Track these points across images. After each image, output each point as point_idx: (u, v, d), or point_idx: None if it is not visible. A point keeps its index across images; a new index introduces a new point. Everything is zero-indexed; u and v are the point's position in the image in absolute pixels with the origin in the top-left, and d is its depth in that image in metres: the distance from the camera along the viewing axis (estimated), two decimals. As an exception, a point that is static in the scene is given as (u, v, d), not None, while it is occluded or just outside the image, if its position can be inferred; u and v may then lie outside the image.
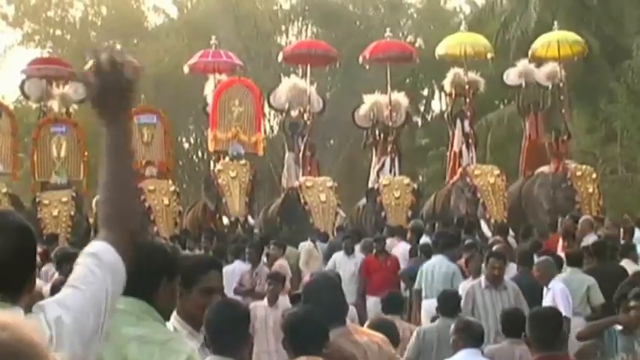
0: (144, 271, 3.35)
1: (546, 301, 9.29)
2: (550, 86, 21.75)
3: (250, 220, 19.75)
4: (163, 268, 3.50)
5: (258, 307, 10.07)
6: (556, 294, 9.44)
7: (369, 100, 22.68)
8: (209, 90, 21.95)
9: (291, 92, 21.69)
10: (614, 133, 28.97)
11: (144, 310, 3.33)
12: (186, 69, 23.07)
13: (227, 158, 20.09)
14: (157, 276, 3.43)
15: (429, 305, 11.01)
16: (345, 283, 12.89)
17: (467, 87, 21.93)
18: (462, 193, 20.40)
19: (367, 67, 24.38)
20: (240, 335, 4.16)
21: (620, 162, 28.80)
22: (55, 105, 21.33)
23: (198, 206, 20.70)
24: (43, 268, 12.57)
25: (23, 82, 22.20)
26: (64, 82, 21.61)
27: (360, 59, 23.21)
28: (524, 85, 21.83)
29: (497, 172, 20.39)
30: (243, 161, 19.96)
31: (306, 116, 22.01)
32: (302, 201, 19.62)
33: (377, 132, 22.55)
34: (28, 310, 2.37)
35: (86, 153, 20.92)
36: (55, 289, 5.64)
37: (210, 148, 21.17)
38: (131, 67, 2.53)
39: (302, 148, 21.70)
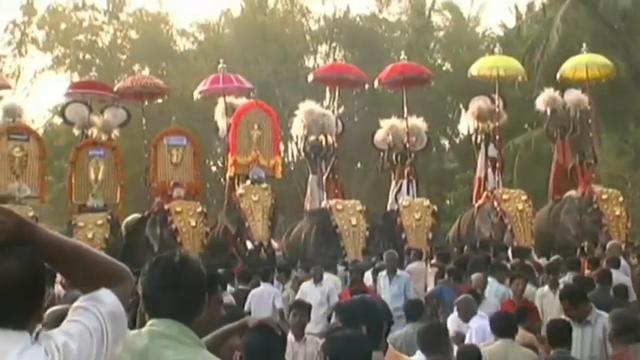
0: (187, 292, 3.39)
1: (466, 340, 8.89)
2: (577, 112, 21.65)
3: (274, 243, 19.69)
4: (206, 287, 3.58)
5: None
6: (473, 332, 9.14)
7: (385, 124, 22.70)
8: (219, 115, 21.87)
9: (308, 117, 21.68)
10: (644, 157, 28.86)
11: (182, 332, 3.33)
12: (196, 95, 23.00)
13: (248, 182, 20.05)
14: (202, 296, 3.48)
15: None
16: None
17: (497, 110, 21.91)
18: (488, 217, 20.36)
19: (388, 90, 24.44)
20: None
21: (649, 186, 28.64)
22: (95, 132, 21.47)
23: (218, 229, 20.61)
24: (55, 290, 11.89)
25: (64, 108, 22.37)
26: (104, 107, 21.81)
27: (376, 82, 23.18)
28: (549, 112, 21.77)
29: (524, 197, 20.35)
30: (264, 185, 19.92)
31: (329, 139, 22.04)
32: (333, 224, 19.58)
33: (394, 155, 22.52)
34: (35, 337, 2.46)
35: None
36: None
37: (230, 173, 21.01)
38: None
39: (326, 170, 21.73)
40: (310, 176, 22.08)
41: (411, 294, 13.73)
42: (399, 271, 14.13)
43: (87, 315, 2.50)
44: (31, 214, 19.37)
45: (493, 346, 7.36)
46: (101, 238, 19.26)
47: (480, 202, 21.27)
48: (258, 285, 13.61)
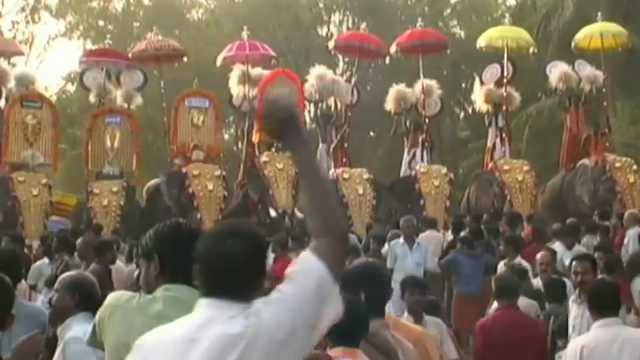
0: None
1: None
2: (591, 88, 21.48)
3: (297, 212, 19.55)
4: None
5: None
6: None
7: (393, 90, 22.59)
8: (234, 82, 21.64)
9: (319, 82, 21.53)
10: (658, 125, 28.70)
11: (197, 299, 3.33)
12: (219, 60, 22.55)
13: (273, 149, 19.98)
14: None
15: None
16: None
17: (504, 81, 21.88)
18: (491, 186, 20.43)
19: (403, 57, 24.36)
20: None
21: (664, 155, 28.48)
22: (117, 99, 21.47)
23: (236, 195, 20.51)
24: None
25: (83, 74, 22.39)
26: (119, 71, 21.79)
27: (393, 48, 23.03)
28: (562, 87, 21.60)
29: (526, 167, 20.42)
30: (288, 153, 19.73)
31: (339, 106, 21.93)
32: (339, 193, 19.52)
33: (408, 122, 22.45)
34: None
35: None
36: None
37: (255, 140, 20.95)
38: (287, 103, 2.94)
39: (336, 139, 21.69)
40: (320, 145, 21.96)
41: (429, 264, 13.45)
42: (417, 239, 13.83)
43: (290, 284, 2.80)
44: (44, 181, 19.47)
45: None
46: (116, 205, 19.33)
47: (479, 171, 21.37)
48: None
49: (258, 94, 20.60)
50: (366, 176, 20.01)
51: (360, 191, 19.50)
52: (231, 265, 2.77)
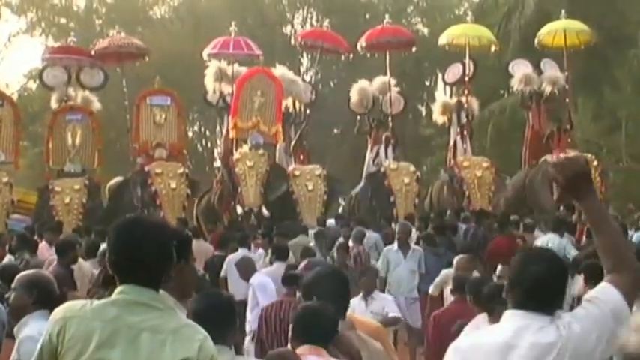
0: (157, 257, 3.30)
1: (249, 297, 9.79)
2: (553, 89, 21.63)
3: (264, 211, 19.50)
4: (179, 251, 3.55)
5: None
6: (256, 288, 9.63)
7: (355, 87, 22.66)
8: (210, 79, 21.60)
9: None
10: (619, 122, 28.91)
11: (154, 298, 3.27)
12: (205, 56, 22.33)
13: (245, 147, 19.92)
14: (171, 260, 3.39)
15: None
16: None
17: (466, 79, 22.01)
18: (451, 183, 20.62)
19: (367, 54, 24.47)
20: (226, 323, 4.18)
21: (624, 152, 28.75)
22: (75, 101, 21.33)
23: (213, 194, 20.44)
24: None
25: (42, 71, 22.20)
26: (79, 70, 21.61)
27: (361, 44, 23.07)
28: (525, 89, 21.74)
29: (486, 164, 20.64)
30: (261, 151, 19.81)
31: (297, 106, 21.93)
32: (290, 190, 19.57)
33: (371, 120, 22.54)
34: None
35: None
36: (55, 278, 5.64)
37: (231, 137, 20.81)
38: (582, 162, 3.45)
39: (295, 137, 21.70)
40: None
41: (423, 270, 12.70)
42: (412, 245, 13.13)
43: (591, 306, 3.33)
44: (5, 179, 19.30)
45: None
46: (78, 203, 19.24)
47: (444, 168, 21.62)
48: (235, 250, 13.59)
49: (235, 89, 20.55)
50: (318, 172, 20.06)
51: (310, 187, 19.54)
52: (543, 283, 3.33)
